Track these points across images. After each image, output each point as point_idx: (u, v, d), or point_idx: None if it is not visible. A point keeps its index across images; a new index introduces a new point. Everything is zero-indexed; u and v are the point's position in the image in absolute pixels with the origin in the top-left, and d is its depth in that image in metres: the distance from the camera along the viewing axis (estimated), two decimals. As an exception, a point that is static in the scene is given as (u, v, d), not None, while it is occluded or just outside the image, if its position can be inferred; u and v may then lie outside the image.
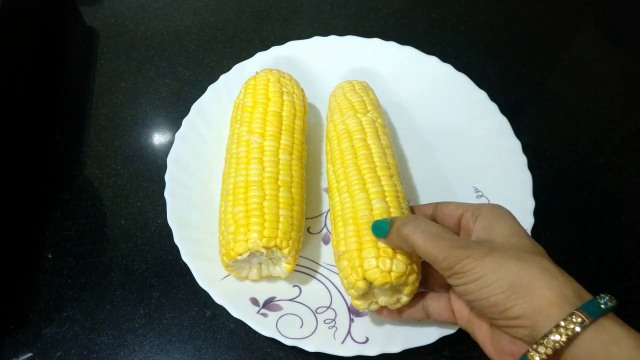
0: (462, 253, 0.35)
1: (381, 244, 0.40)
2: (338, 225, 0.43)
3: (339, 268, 0.42)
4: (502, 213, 0.39)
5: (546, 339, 0.30)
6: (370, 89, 0.55)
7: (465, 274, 0.35)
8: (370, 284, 0.39)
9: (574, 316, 0.30)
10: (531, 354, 0.31)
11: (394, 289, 0.40)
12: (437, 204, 0.44)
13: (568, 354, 0.30)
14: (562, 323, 0.30)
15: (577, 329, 0.29)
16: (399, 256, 0.39)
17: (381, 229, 0.40)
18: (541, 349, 0.30)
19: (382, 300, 0.41)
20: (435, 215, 0.43)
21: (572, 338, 0.29)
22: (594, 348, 0.29)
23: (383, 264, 0.38)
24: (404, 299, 0.40)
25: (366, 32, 0.63)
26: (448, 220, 0.42)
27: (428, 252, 0.36)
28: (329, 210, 0.50)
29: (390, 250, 0.39)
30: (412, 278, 0.39)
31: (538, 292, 0.31)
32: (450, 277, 0.36)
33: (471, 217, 0.39)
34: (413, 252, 0.38)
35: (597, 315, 0.30)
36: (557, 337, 0.30)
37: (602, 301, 0.31)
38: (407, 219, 0.39)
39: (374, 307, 0.41)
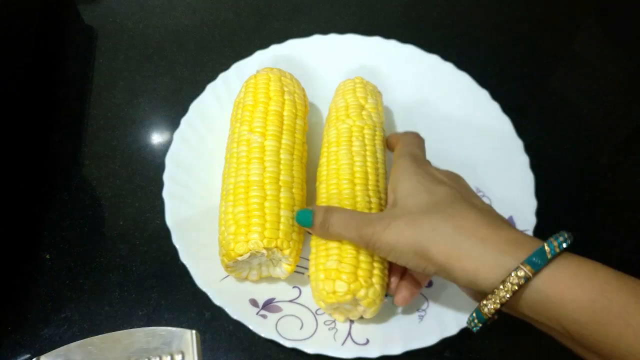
0: (368, 231, 0.37)
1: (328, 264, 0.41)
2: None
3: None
4: (401, 171, 0.41)
5: (492, 296, 0.32)
6: (373, 92, 0.54)
7: (379, 249, 0.37)
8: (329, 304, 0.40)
9: (513, 275, 0.31)
10: (482, 308, 0.33)
11: (355, 302, 0.41)
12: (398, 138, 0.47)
13: (523, 300, 0.31)
14: (505, 283, 0.31)
15: (521, 282, 0.30)
16: (343, 275, 0.39)
17: (305, 221, 0.42)
18: (490, 305, 0.32)
19: (354, 312, 0.42)
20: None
21: (518, 291, 0.31)
22: (547, 294, 0.30)
23: (326, 286, 0.40)
24: (367, 311, 0.41)
25: (367, 31, 0.62)
26: None
27: (348, 239, 0.39)
28: None
29: (334, 270, 0.40)
30: (362, 293, 0.39)
31: (454, 259, 0.33)
32: (374, 252, 0.39)
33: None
34: (336, 240, 0.41)
35: (542, 266, 0.31)
36: (502, 293, 0.31)
37: (548, 248, 0.31)
38: (324, 210, 0.41)
39: (353, 316, 0.43)
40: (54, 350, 0.39)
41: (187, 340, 0.41)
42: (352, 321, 0.44)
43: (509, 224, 0.35)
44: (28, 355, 0.44)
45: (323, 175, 0.47)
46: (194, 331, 0.41)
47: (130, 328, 0.46)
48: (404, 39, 0.61)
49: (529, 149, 0.52)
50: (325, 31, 0.62)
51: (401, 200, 0.38)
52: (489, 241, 0.33)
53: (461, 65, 0.59)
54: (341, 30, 0.62)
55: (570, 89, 0.66)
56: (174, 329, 0.41)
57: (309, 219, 0.41)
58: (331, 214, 0.40)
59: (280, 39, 0.61)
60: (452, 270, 0.34)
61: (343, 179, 0.45)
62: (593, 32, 0.73)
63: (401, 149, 0.44)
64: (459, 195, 0.37)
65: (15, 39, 0.61)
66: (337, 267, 0.40)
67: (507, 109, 0.56)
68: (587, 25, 0.74)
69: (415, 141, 0.45)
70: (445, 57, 0.60)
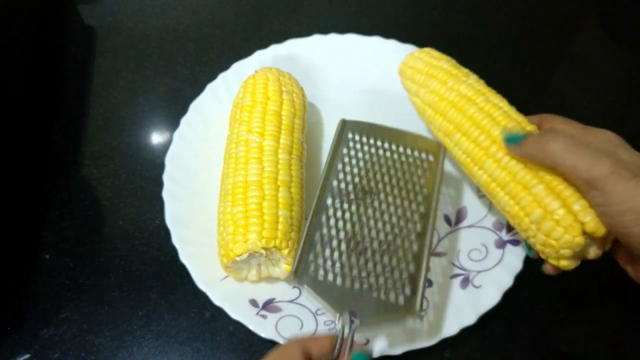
0: (607, 167, 0.32)
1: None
2: (516, 191, 0.40)
3: (538, 232, 0.39)
4: (619, 139, 0.37)
5: None
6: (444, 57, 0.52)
7: (607, 194, 0.32)
8: (588, 237, 0.37)
9: None
10: None
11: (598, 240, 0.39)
12: (542, 117, 0.43)
13: None
14: None
15: None
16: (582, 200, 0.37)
17: (517, 137, 0.38)
18: None
19: (592, 252, 0.39)
20: (540, 127, 0.43)
21: None
22: None
23: (589, 214, 0.36)
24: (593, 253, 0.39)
25: (367, 30, 0.62)
26: None
27: (568, 160, 0.34)
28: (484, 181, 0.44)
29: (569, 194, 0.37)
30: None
31: None
32: (589, 194, 0.34)
33: (584, 141, 0.37)
34: (547, 162, 0.36)
35: None
36: None
37: None
38: (545, 129, 0.38)
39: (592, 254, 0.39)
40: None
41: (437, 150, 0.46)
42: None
43: None
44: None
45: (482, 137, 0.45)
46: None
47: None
48: (403, 38, 0.61)
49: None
50: (325, 31, 0.62)
51: (625, 161, 0.34)
52: None
53: (461, 65, 0.59)
54: (341, 30, 0.62)
55: (571, 89, 0.66)
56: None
57: (521, 135, 0.38)
58: (555, 131, 0.37)
59: (280, 38, 0.61)
60: None
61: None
62: (593, 32, 0.73)
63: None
64: None
65: (15, 39, 0.61)
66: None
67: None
68: (587, 25, 0.74)
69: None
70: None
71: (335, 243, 0.40)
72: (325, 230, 0.40)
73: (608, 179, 0.32)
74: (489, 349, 0.45)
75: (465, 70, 0.48)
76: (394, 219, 0.41)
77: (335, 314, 0.37)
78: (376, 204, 0.42)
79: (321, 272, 0.38)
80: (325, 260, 0.39)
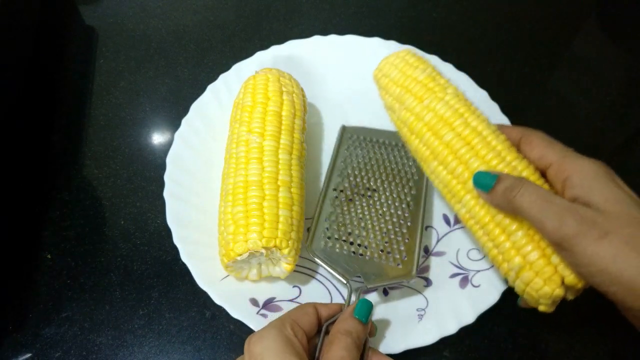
0: (572, 228, 0.31)
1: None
2: (494, 234, 0.39)
3: (517, 279, 0.38)
4: (601, 172, 0.35)
5: None
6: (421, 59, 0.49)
7: (575, 255, 0.31)
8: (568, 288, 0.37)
9: None
10: None
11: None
12: (522, 132, 0.40)
13: None
14: None
15: None
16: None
17: (485, 183, 0.37)
18: None
19: (571, 294, 0.38)
20: (519, 146, 0.40)
21: None
22: None
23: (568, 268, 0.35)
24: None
25: (366, 31, 0.62)
26: (531, 160, 0.39)
27: (535, 218, 0.33)
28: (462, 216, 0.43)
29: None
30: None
31: None
32: (560, 253, 0.33)
33: (561, 172, 0.36)
34: (514, 215, 0.35)
35: None
36: None
37: None
38: (515, 178, 0.35)
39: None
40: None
41: None
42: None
43: None
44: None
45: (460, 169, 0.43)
46: None
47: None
48: (403, 39, 0.61)
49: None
50: (325, 32, 0.62)
51: (601, 204, 0.32)
52: None
53: (460, 65, 0.59)
54: (341, 31, 0.63)
55: (569, 89, 0.66)
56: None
57: (491, 181, 0.36)
58: (524, 183, 0.35)
59: (280, 39, 0.61)
60: None
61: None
62: (593, 32, 0.73)
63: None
64: None
65: (15, 39, 0.61)
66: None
67: (506, 109, 0.56)
68: (587, 25, 0.74)
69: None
70: (445, 57, 0.60)
71: (341, 220, 0.47)
72: (332, 210, 0.48)
73: (574, 240, 0.31)
74: (488, 348, 0.46)
75: (444, 81, 0.44)
76: (391, 200, 0.49)
77: (343, 280, 0.43)
78: (375, 189, 0.50)
79: (330, 244, 0.46)
80: (333, 235, 0.46)
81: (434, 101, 0.42)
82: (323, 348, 0.37)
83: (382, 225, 0.47)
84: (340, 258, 0.45)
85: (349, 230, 0.47)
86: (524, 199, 0.34)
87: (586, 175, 0.35)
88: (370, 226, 0.47)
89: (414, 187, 0.50)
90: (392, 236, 0.46)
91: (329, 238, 0.46)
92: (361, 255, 0.45)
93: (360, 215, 0.48)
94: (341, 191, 0.49)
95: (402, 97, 0.45)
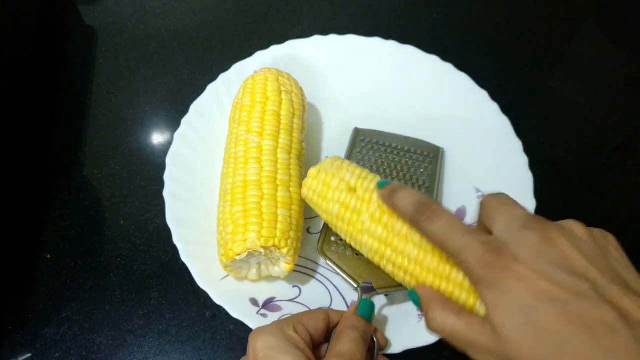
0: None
1: None
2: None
3: None
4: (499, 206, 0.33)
5: None
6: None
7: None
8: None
9: None
10: None
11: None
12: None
13: None
14: None
15: None
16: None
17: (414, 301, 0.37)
18: None
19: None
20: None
21: None
22: None
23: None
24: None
25: (366, 31, 0.62)
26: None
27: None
28: None
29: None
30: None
31: None
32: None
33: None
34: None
35: None
36: None
37: None
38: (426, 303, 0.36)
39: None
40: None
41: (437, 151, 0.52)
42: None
43: None
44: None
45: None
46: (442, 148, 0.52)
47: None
48: (403, 39, 0.61)
49: (528, 149, 0.52)
50: (325, 32, 0.62)
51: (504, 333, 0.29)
52: None
53: (461, 65, 0.59)
54: (341, 31, 0.62)
55: (570, 89, 0.66)
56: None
57: (416, 300, 0.37)
58: (432, 310, 0.34)
59: (280, 39, 0.61)
60: None
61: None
62: (593, 32, 0.73)
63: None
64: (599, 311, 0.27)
65: (15, 39, 0.61)
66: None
67: (506, 109, 0.56)
68: (587, 25, 0.74)
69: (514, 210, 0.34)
70: (445, 57, 0.60)
71: None
72: None
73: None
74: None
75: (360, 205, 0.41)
76: None
77: (354, 284, 0.43)
78: None
79: (340, 248, 0.45)
80: (344, 239, 0.44)
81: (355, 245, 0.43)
82: (330, 343, 0.37)
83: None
84: (351, 262, 0.44)
85: None
86: (434, 325, 0.34)
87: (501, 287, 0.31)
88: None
89: (425, 194, 0.49)
90: None
91: (340, 241, 0.46)
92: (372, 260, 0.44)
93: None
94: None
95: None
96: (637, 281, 0.29)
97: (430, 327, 0.34)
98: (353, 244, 0.43)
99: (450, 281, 0.36)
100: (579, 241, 0.30)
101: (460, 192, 0.52)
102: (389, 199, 0.38)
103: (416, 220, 0.35)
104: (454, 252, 0.33)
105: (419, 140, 0.53)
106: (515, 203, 0.34)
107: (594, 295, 0.27)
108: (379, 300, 0.45)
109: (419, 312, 0.44)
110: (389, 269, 0.40)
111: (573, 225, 0.32)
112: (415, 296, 0.37)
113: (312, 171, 0.44)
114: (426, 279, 0.37)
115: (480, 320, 0.31)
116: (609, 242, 0.32)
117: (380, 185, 0.40)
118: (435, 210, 0.35)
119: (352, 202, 0.41)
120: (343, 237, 0.43)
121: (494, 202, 0.34)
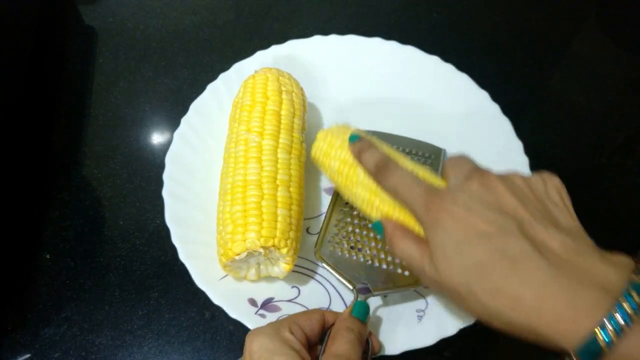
0: (418, 264, 0.35)
1: None
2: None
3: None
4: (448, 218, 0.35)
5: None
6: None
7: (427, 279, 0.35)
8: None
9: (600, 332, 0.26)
10: None
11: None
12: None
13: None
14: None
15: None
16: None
17: (378, 230, 0.41)
18: None
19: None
20: None
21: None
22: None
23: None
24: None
25: (367, 31, 0.62)
26: None
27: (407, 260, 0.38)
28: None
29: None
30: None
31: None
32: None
33: None
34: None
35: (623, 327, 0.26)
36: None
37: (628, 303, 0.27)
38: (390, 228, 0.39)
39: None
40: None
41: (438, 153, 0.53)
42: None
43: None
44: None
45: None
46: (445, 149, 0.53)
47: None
48: (404, 39, 0.61)
49: (528, 150, 0.52)
50: (325, 32, 0.62)
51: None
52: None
53: (461, 66, 0.59)
54: (341, 31, 0.62)
55: (570, 89, 0.66)
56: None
57: (380, 230, 0.40)
58: (396, 237, 0.38)
59: (280, 39, 0.61)
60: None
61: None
62: (593, 32, 0.73)
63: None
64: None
65: (15, 39, 0.61)
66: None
67: (506, 109, 0.56)
68: (587, 25, 0.74)
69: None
70: (446, 58, 0.60)
71: (350, 227, 0.47)
72: (341, 216, 0.48)
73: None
74: (489, 348, 0.46)
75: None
76: None
77: (350, 286, 0.43)
78: None
79: (338, 251, 0.46)
80: (341, 241, 0.46)
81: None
82: (326, 344, 0.37)
83: None
84: (348, 264, 0.45)
85: (358, 237, 0.47)
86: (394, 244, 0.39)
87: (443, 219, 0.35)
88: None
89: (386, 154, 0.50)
90: None
91: (337, 244, 0.46)
92: (369, 262, 0.45)
93: (370, 223, 0.47)
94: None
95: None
96: (567, 218, 0.33)
97: (394, 252, 0.38)
98: (348, 196, 0.45)
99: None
100: (514, 186, 0.34)
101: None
102: (357, 156, 0.42)
103: (375, 177, 0.40)
104: (404, 201, 0.37)
105: (421, 141, 0.53)
106: (468, 161, 0.38)
107: (518, 231, 0.31)
108: (377, 301, 0.45)
109: (419, 313, 0.44)
110: (377, 215, 0.42)
111: (513, 175, 0.35)
112: (380, 226, 0.40)
113: (320, 134, 0.48)
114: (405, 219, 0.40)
115: (429, 251, 0.35)
116: (550, 185, 0.35)
117: (352, 140, 0.43)
118: (390, 167, 0.39)
119: (349, 158, 0.44)
120: (342, 190, 0.46)
121: (451, 161, 0.38)
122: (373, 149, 0.41)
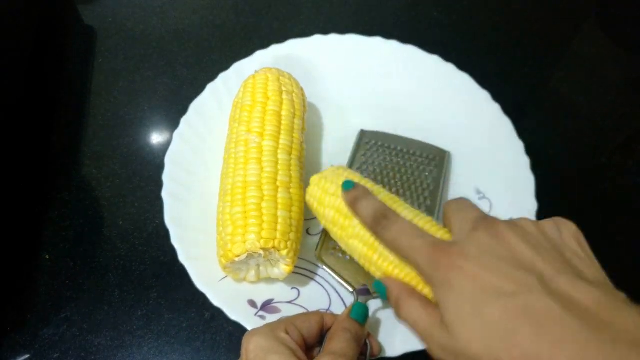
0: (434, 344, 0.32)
1: None
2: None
3: None
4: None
5: None
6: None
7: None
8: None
9: None
10: None
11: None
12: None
13: None
14: None
15: None
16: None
17: (382, 294, 0.39)
18: None
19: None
20: None
21: None
22: None
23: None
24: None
25: (367, 31, 0.62)
26: None
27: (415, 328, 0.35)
28: None
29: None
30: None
31: None
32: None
33: None
34: None
35: None
36: None
37: None
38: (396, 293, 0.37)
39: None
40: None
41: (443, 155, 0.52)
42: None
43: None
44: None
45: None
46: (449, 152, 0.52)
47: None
48: (405, 39, 0.61)
49: (529, 150, 0.52)
50: (325, 31, 0.62)
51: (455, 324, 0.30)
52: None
53: (462, 66, 0.59)
54: (342, 31, 0.62)
55: (570, 89, 0.66)
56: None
57: (382, 291, 0.38)
58: (402, 299, 0.36)
59: (281, 39, 0.61)
60: None
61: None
62: (593, 32, 0.73)
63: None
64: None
65: (15, 39, 0.61)
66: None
67: (507, 109, 0.55)
68: (588, 25, 0.74)
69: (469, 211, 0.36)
70: (447, 57, 0.59)
71: None
72: None
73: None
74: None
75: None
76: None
77: (350, 288, 0.43)
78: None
79: (339, 253, 0.45)
80: None
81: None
82: (323, 345, 0.37)
83: None
84: (348, 266, 0.44)
85: None
86: (403, 315, 0.36)
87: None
88: None
89: (429, 198, 0.49)
90: None
91: (338, 245, 0.45)
92: None
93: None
94: None
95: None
96: (590, 269, 0.30)
97: (400, 315, 0.36)
98: (344, 248, 0.43)
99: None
100: (527, 235, 0.31)
101: (461, 194, 0.52)
102: (352, 206, 0.39)
103: (373, 229, 0.37)
104: (406, 255, 0.34)
105: (425, 143, 0.53)
106: (471, 206, 0.35)
107: (540, 287, 0.28)
108: (377, 303, 0.45)
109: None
110: (377, 274, 0.40)
111: (523, 221, 0.32)
112: (382, 287, 0.38)
113: (314, 178, 0.45)
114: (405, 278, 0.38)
115: (439, 314, 0.32)
116: (565, 231, 0.32)
117: (345, 187, 0.40)
118: (390, 218, 0.36)
119: (345, 207, 0.41)
120: (337, 241, 0.43)
121: (451, 207, 0.36)
122: (369, 198, 0.38)
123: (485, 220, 0.33)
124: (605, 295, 0.27)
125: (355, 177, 0.42)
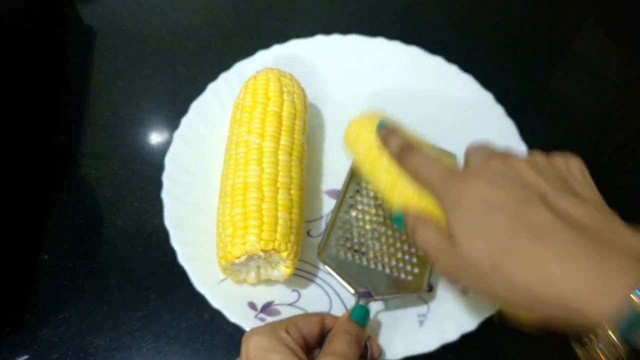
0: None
1: None
2: None
3: None
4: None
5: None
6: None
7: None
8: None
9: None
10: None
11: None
12: None
13: None
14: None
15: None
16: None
17: (399, 223, 0.40)
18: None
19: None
20: None
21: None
22: None
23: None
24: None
25: (370, 31, 0.62)
26: None
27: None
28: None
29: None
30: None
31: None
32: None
33: None
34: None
35: None
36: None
37: None
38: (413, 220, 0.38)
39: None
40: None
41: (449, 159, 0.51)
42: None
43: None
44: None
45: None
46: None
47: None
48: (407, 40, 0.61)
49: (529, 150, 0.52)
50: (327, 31, 0.62)
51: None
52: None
53: (466, 67, 0.59)
54: (344, 31, 0.62)
55: (571, 89, 0.66)
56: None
57: (399, 217, 0.40)
58: (419, 225, 0.37)
59: (281, 38, 0.61)
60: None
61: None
62: (593, 32, 0.73)
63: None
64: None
65: (14, 39, 0.61)
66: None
67: (507, 109, 0.55)
68: (588, 25, 0.74)
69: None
70: (450, 58, 0.59)
71: (355, 230, 0.47)
72: (346, 218, 0.47)
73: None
74: (491, 349, 0.46)
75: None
76: None
77: (351, 290, 0.43)
78: None
79: (341, 254, 0.45)
80: (345, 244, 0.46)
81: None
82: (323, 347, 0.38)
83: (397, 236, 0.47)
84: (351, 268, 0.44)
85: (362, 241, 0.46)
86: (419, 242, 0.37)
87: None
88: (383, 238, 0.46)
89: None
90: (405, 248, 0.46)
91: (341, 246, 0.46)
92: (372, 266, 0.44)
93: (375, 226, 0.47)
94: (358, 200, 0.49)
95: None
96: (590, 194, 0.33)
97: (414, 239, 0.37)
98: (373, 179, 0.46)
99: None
100: (536, 163, 0.34)
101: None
102: (383, 140, 0.42)
103: (397, 160, 0.39)
104: (425, 181, 0.36)
105: (433, 146, 0.52)
106: (490, 146, 0.37)
107: (541, 201, 0.30)
108: (378, 305, 0.45)
109: (420, 318, 0.44)
110: (398, 200, 0.43)
111: (534, 154, 0.36)
112: (400, 217, 0.40)
113: (353, 120, 0.49)
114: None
115: (449, 234, 0.33)
116: (572, 164, 0.36)
117: (379, 127, 0.43)
118: (414, 150, 0.39)
119: (377, 142, 0.43)
120: (367, 175, 0.47)
121: (472, 148, 0.38)
122: (397, 134, 0.41)
123: (499, 153, 0.36)
124: (603, 215, 0.30)
125: (389, 120, 0.45)
